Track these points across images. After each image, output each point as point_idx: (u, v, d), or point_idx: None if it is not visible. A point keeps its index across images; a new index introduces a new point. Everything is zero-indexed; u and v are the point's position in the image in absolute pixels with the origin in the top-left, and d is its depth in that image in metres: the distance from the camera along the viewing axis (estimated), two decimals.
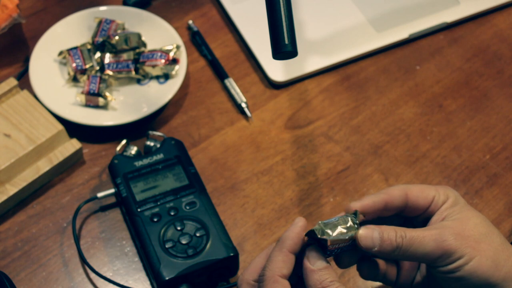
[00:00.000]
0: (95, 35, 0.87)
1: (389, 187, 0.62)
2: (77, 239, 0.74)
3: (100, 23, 0.88)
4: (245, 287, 0.59)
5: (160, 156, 0.76)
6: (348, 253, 0.61)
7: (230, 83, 0.88)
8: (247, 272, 0.60)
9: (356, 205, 0.60)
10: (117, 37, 0.86)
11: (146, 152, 0.80)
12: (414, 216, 0.63)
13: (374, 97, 0.88)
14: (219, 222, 0.72)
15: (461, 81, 0.90)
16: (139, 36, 0.87)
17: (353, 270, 0.70)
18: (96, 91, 0.83)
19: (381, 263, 0.64)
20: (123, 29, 0.89)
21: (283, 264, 0.57)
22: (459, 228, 0.58)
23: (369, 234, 0.58)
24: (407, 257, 0.59)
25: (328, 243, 0.56)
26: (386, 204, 0.61)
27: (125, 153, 0.79)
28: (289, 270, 0.57)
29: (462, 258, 0.57)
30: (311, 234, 0.57)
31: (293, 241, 0.57)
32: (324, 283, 0.56)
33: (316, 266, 0.57)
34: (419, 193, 0.61)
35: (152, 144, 0.79)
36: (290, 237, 0.58)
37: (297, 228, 0.58)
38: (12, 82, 0.82)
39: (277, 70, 0.88)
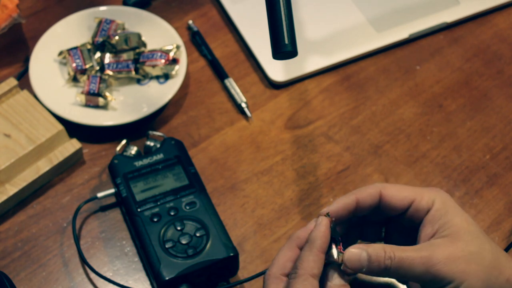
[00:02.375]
0: (95, 35, 0.87)
1: (365, 186, 0.62)
2: (77, 239, 0.74)
3: (100, 23, 0.88)
4: (273, 281, 0.59)
5: (160, 156, 0.76)
6: None
7: (230, 83, 0.88)
8: (274, 267, 0.60)
9: (326, 210, 0.60)
10: (117, 37, 0.86)
11: (146, 152, 0.80)
12: (400, 215, 0.62)
13: (374, 97, 0.88)
14: (219, 222, 0.72)
15: (461, 81, 0.90)
16: (139, 36, 0.87)
17: None
18: (96, 91, 0.83)
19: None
20: (123, 29, 0.89)
21: (314, 264, 0.57)
22: (450, 249, 0.57)
23: (356, 255, 0.57)
24: (397, 278, 0.58)
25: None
26: (358, 204, 0.61)
27: (125, 153, 0.79)
28: (320, 270, 0.57)
29: (452, 283, 0.56)
30: None
31: (322, 240, 0.58)
32: None
33: (333, 283, 0.58)
34: (395, 193, 0.61)
35: (152, 144, 0.79)
36: (319, 236, 0.58)
37: (323, 227, 0.58)
38: (12, 82, 0.82)
39: (277, 70, 0.88)
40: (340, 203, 0.60)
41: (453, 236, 0.58)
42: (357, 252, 0.57)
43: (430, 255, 0.57)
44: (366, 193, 0.61)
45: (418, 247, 0.58)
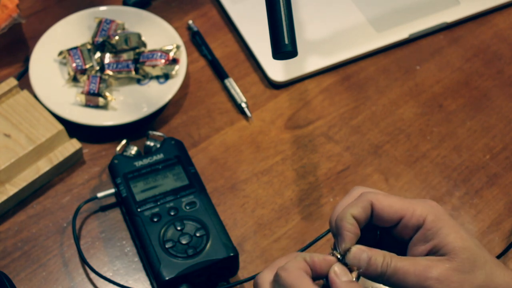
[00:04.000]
0: (95, 35, 0.87)
1: (357, 197, 0.61)
2: (77, 239, 0.74)
3: (100, 23, 0.88)
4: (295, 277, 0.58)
5: (160, 156, 0.76)
6: None
7: (230, 83, 0.88)
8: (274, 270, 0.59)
9: (347, 247, 0.59)
10: (117, 37, 0.86)
11: (146, 152, 0.80)
12: (390, 227, 0.62)
13: (374, 97, 0.88)
14: (219, 222, 0.72)
15: (461, 81, 0.90)
16: (139, 36, 0.87)
17: None
18: (96, 91, 0.83)
19: None
20: (123, 29, 0.89)
21: (286, 259, 0.57)
22: (443, 267, 0.57)
23: (357, 255, 0.58)
24: (392, 285, 0.59)
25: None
26: (358, 222, 0.61)
27: (125, 153, 0.79)
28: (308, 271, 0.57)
29: None
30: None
31: (319, 259, 0.57)
32: None
33: (341, 278, 0.58)
34: (386, 207, 0.61)
35: (152, 144, 0.79)
36: (318, 257, 0.58)
37: (329, 261, 0.58)
38: (12, 82, 0.82)
39: (277, 70, 0.88)
40: (351, 234, 0.60)
41: (449, 255, 0.58)
42: (359, 251, 0.58)
43: (424, 270, 0.57)
44: (360, 208, 0.61)
45: (415, 260, 0.59)
